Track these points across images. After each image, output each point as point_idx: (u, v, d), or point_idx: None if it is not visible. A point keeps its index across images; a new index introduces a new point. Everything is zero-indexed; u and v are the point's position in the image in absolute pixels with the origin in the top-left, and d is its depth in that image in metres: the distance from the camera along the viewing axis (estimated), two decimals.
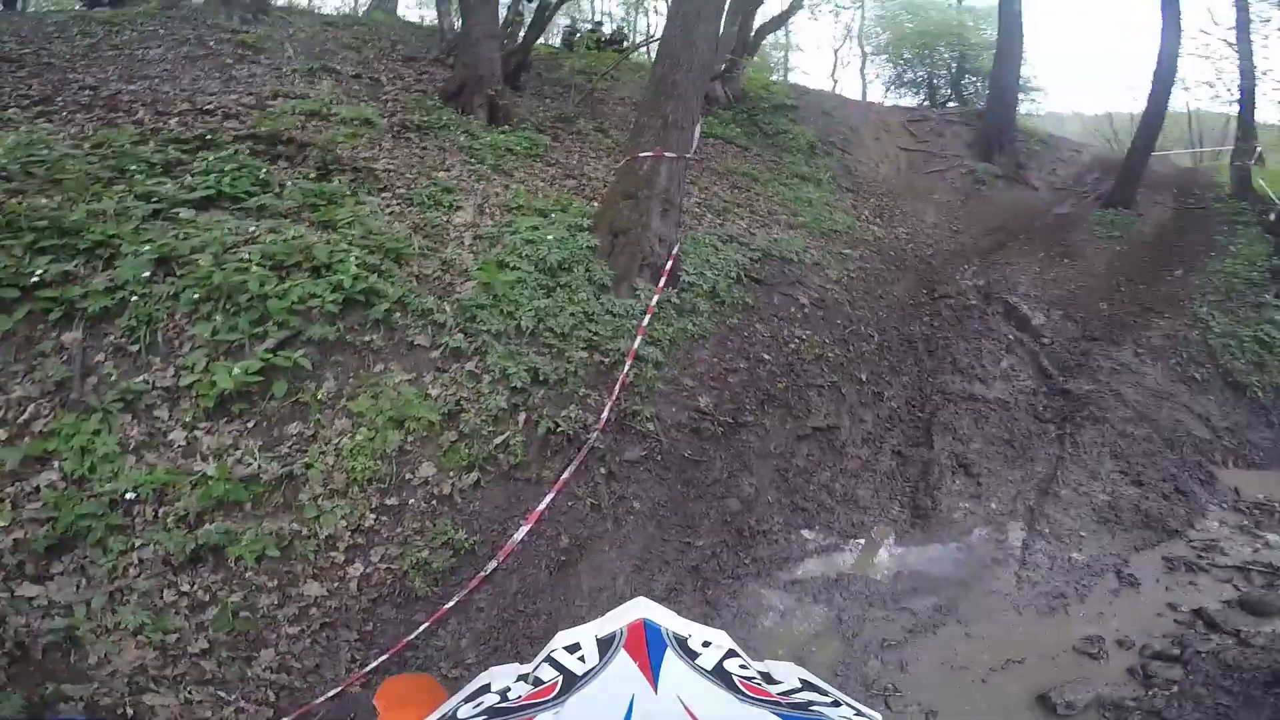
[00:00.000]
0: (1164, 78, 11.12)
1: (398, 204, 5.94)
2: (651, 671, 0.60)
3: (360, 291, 4.43)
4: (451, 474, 4.08)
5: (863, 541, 5.47)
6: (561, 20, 15.97)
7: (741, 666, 0.66)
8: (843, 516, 5.57)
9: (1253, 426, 7.62)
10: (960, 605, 4.98)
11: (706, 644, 0.68)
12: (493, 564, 3.96)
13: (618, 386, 4.86)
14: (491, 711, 0.61)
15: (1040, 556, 5.52)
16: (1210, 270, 9.39)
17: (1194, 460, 6.97)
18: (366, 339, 4.39)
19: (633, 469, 4.76)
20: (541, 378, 4.68)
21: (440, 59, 10.52)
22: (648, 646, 0.64)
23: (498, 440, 4.28)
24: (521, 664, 0.74)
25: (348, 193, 5.63)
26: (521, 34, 10.82)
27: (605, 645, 0.67)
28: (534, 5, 10.85)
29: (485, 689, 0.68)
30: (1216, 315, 8.47)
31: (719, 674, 0.63)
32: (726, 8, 12.32)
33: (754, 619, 4.54)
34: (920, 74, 17.04)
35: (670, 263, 6.17)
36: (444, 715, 0.65)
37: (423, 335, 4.56)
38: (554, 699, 0.60)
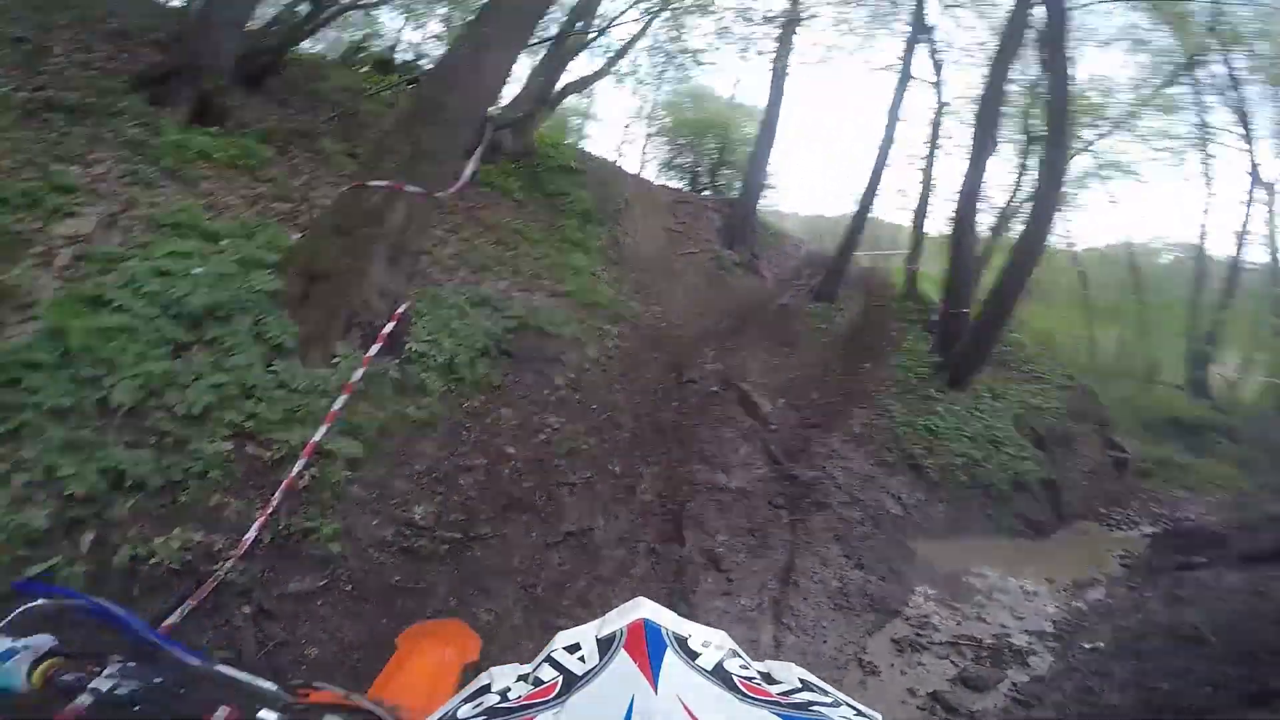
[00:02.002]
0: (869, 191, 12.75)
1: None
2: (651, 671, 0.57)
3: None
4: None
5: None
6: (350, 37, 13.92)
7: (742, 666, 0.64)
8: None
9: (930, 502, 8.38)
10: None
11: (706, 644, 0.65)
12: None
13: (278, 493, 3.28)
14: (491, 711, 0.59)
15: (792, 654, 4.99)
16: (891, 364, 10.41)
17: (896, 538, 7.37)
18: None
19: (302, 605, 3.20)
20: (131, 482, 2.99)
21: (162, 42, 7.95)
22: (648, 646, 0.61)
23: (33, 570, 2.59)
24: (522, 664, 0.70)
25: None
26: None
27: (605, 645, 0.64)
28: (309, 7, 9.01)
29: (485, 689, 0.67)
30: (897, 405, 9.37)
31: (719, 674, 0.60)
32: (539, 59, 11.53)
33: None
34: (688, 159, 18.06)
35: (393, 324, 4.69)
36: (444, 715, 0.63)
37: None
38: (554, 699, 0.58)
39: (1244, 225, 16.55)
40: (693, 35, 13.29)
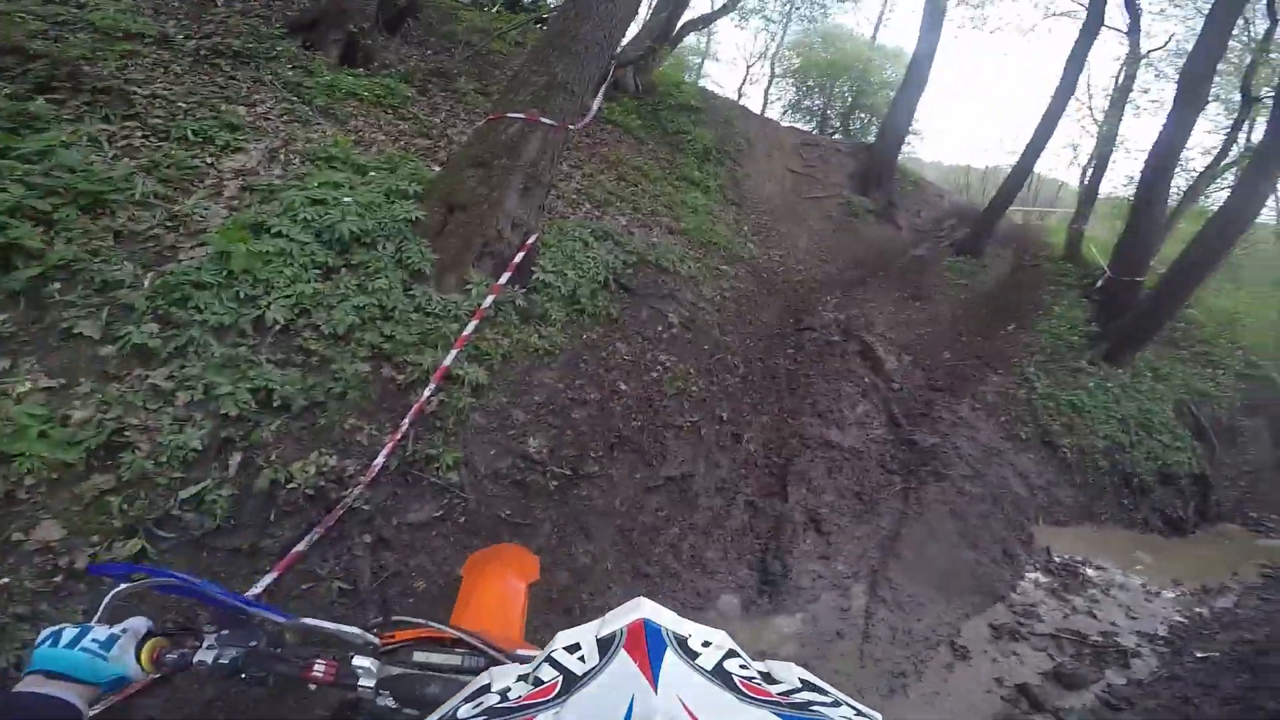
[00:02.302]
0: (1038, 142, 11.17)
1: (142, 136, 3.95)
2: (651, 671, 0.57)
3: None
4: (94, 539, 2.43)
5: (707, 616, 4.40)
6: None
7: (741, 666, 0.63)
8: (688, 584, 4.45)
9: (1060, 485, 7.65)
10: None
11: (706, 644, 0.65)
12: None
13: (408, 418, 3.34)
14: (491, 711, 0.59)
15: (882, 628, 4.84)
16: (1038, 329, 9.35)
17: (1017, 520, 6.82)
18: None
19: (418, 535, 3.28)
20: (279, 402, 3.07)
21: None
22: (648, 646, 0.61)
23: (185, 494, 2.69)
24: (522, 664, 0.70)
25: (59, 116, 3.61)
26: None
27: (605, 645, 0.64)
28: None
29: (485, 689, 0.66)
30: (1040, 376, 8.46)
31: (719, 674, 0.60)
32: None
33: None
34: (817, 102, 16.88)
35: (522, 254, 4.69)
36: (444, 715, 0.63)
37: (92, 321, 2.80)
38: (554, 699, 0.57)
39: None
40: None
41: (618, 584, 4.08)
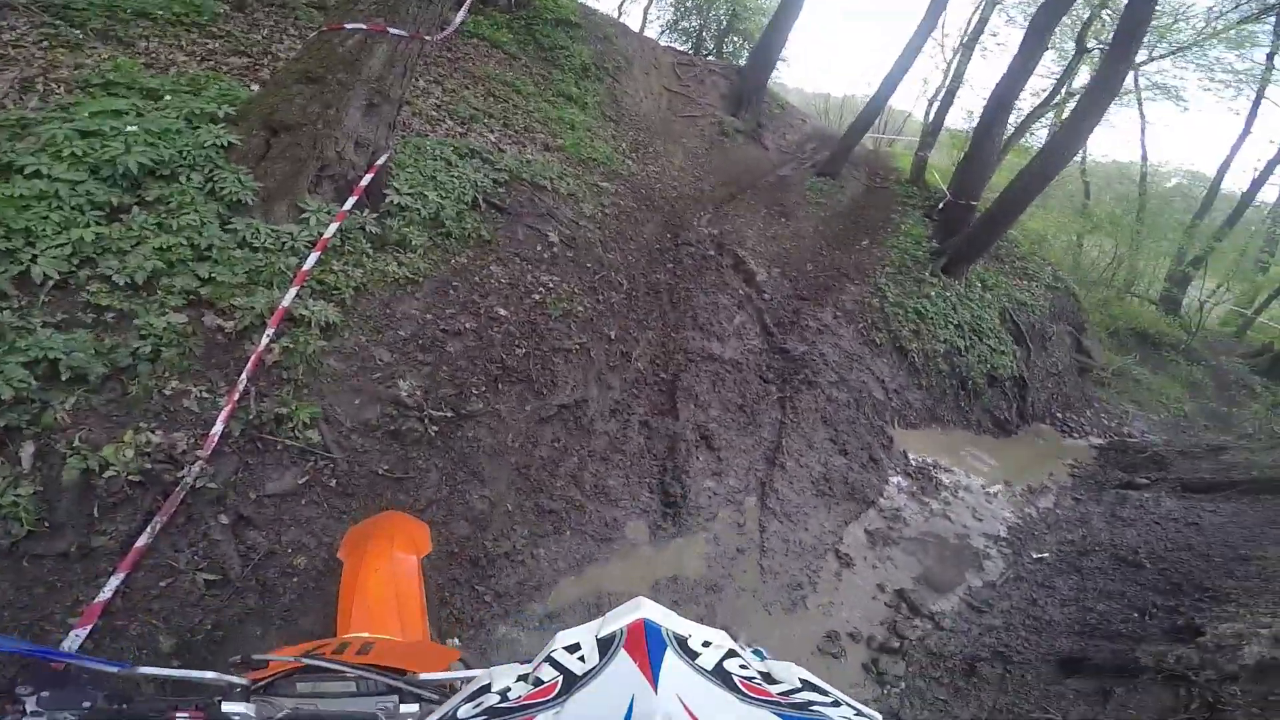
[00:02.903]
0: (896, 75, 11.51)
1: None
2: (651, 671, 0.56)
3: None
4: None
5: (618, 545, 4.20)
6: None
7: (741, 666, 0.62)
8: (594, 515, 4.20)
9: (910, 388, 8.24)
10: (718, 613, 4.17)
11: (706, 644, 0.64)
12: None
13: (245, 373, 2.69)
14: (491, 711, 0.58)
15: (776, 540, 4.96)
16: (888, 245, 9.83)
17: (878, 424, 7.27)
18: None
19: (285, 507, 2.72)
20: (68, 374, 2.34)
21: None
22: (648, 646, 0.59)
23: None
24: (522, 664, 0.69)
25: None
26: None
27: (605, 645, 0.62)
28: None
29: (485, 689, 0.65)
30: (891, 286, 8.95)
31: (719, 674, 0.59)
32: None
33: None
34: (695, 24, 16.27)
35: (370, 176, 3.93)
36: (444, 715, 0.62)
37: None
38: (554, 699, 0.56)
39: (1268, 165, 15.70)
40: None
41: (521, 525, 3.73)
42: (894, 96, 12.32)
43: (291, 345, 2.98)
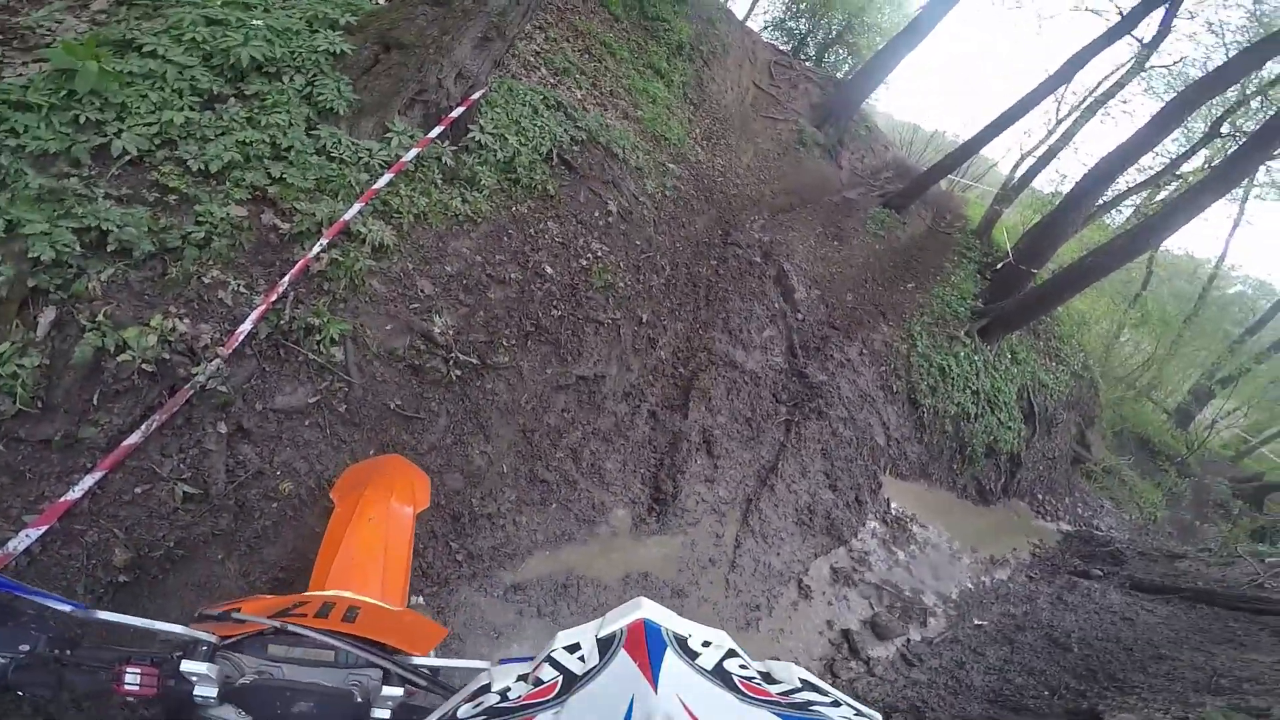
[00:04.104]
0: (1004, 123, 10.76)
1: None
2: (651, 671, 0.55)
3: None
4: None
5: (599, 530, 4.17)
6: None
7: (741, 666, 0.62)
8: (584, 495, 4.16)
9: (910, 441, 8.14)
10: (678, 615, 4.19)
11: (706, 644, 0.63)
12: None
13: (289, 275, 2.59)
14: (492, 711, 0.57)
15: (747, 559, 4.94)
16: (934, 293, 9.54)
17: (871, 468, 7.18)
18: None
19: (287, 425, 2.62)
20: (115, 245, 2.23)
21: None
22: (648, 647, 0.59)
23: None
24: (522, 664, 0.68)
25: None
26: None
27: (605, 645, 0.61)
28: None
29: (485, 689, 0.64)
30: (923, 336, 8.74)
31: (719, 674, 0.58)
32: None
33: (463, 642, 2.95)
34: (802, 26, 15.44)
35: (462, 109, 3.80)
36: (444, 715, 0.61)
37: None
38: (554, 699, 0.56)
39: None
40: None
41: (512, 489, 3.68)
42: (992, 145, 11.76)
43: (340, 258, 2.90)
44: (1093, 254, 8.78)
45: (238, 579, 2.31)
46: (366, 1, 4.00)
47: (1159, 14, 10.39)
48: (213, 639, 0.89)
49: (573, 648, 0.63)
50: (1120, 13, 11.17)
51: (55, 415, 2.05)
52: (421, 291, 3.36)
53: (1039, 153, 12.76)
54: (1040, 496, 9.69)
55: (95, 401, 2.13)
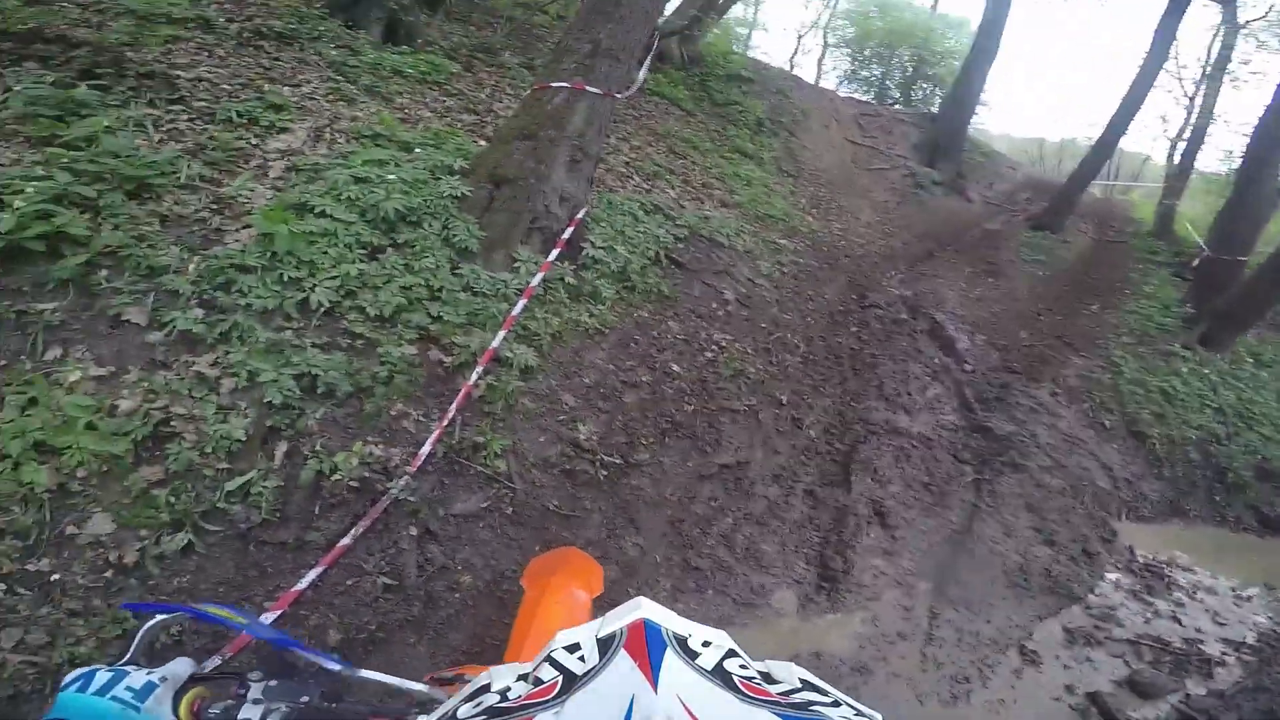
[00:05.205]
0: (1126, 114, 10.41)
1: (188, 119, 3.90)
2: (651, 671, 0.57)
3: (36, 235, 2.58)
4: (143, 533, 2.42)
5: (761, 613, 4.25)
6: None
7: (741, 666, 0.63)
8: (741, 579, 4.28)
9: (1146, 478, 7.08)
10: (861, 695, 4.00)
11: (707, 644, 0.65)
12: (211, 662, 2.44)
13: (456, 402, 3.25)
14: (491, 711, 0.59)
15: (948, 629, 4.58)
16: (1126, 310, 8.71)
17: (1099, 515, 6.35)
18: (40, 308, 2.56)
19: (464, 527, 3.20)
20: (323, 388, 3.00)
21: None
22: (648, 646, 0.61)
23: (231, 486, 2.64)
24: (522, 664, 0.70)
25: (104, 102, 3.56)
26: None
27: (605, 645, 0.63)
28: None
29: (485, 689, 0.66)
30: (1128, 359, 7.85)
31: (719, 674, 0.60)
32: None
33: None
34: (875, 72, 16.23)
35: (571, 229, 4.54)
36: (444, 715, 0.63)
37: (138, 307, 2.76)
38: (554, 699, 0.57)
39: None
40: None
41: (666, 577, 3.94)
42: (1125, 138, 10.99)
43: (495, 383, 3.55)
44: None
45: (426, 659, 2.83)
46: (473, 145, 4.95)
47: None
48: (442, 695, 1.05)
49: (573, 647, 0.65)
50: None
51: (289, 524, 2.72)
52: (565, 404, 3.97)
53: (1186, 135, 11.64)
54: None
55: (316, 512, 2.82)
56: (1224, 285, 8.46)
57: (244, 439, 2.71)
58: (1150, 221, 11.22)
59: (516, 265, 4.22)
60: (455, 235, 3.98)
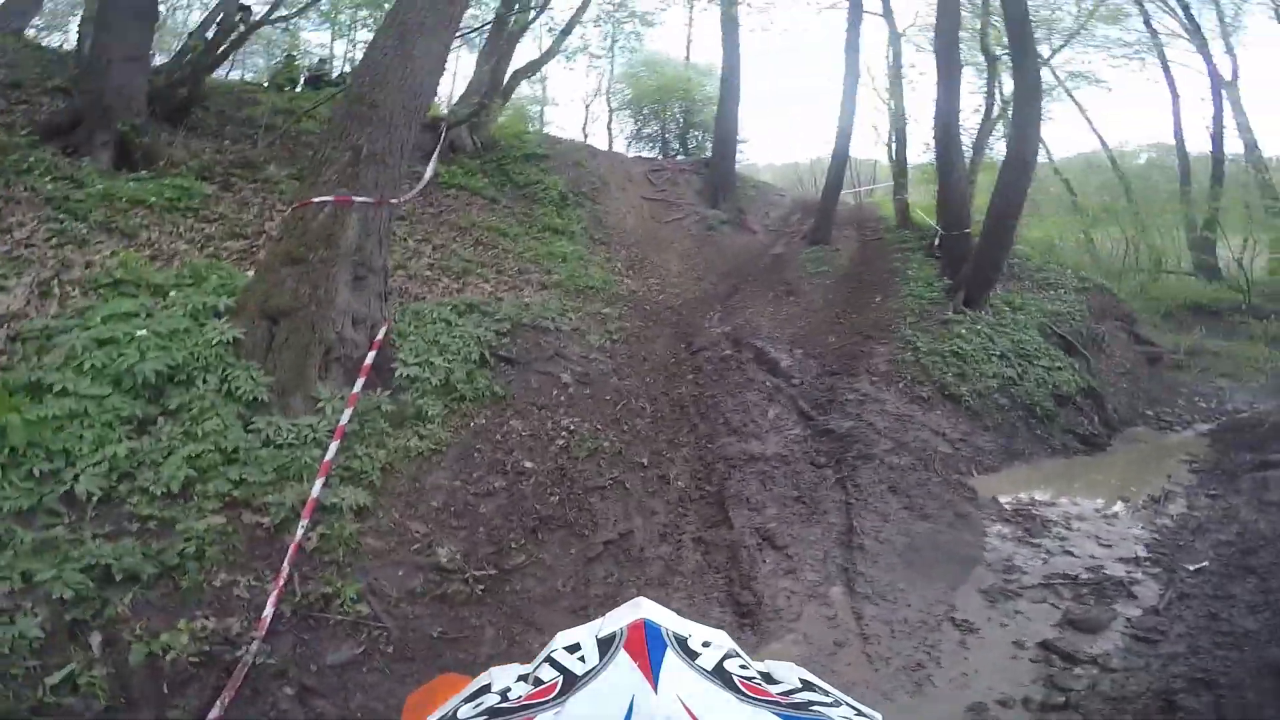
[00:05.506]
0: (845, 128, 12.47)
1: None
2: (651, 671, 0.57)
3: None
4: None
5: None
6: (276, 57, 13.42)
7: (742, 667, 0.63)
8: None
9: (975, 433, 8.03)
10: None
11: (707, 644, 0.65)
12: None
13: (288, 560, 2.99)
14: (491, 711, 0.60)
15: (877, 625, 4.66)
16: (902, 295, 10.04)
17: (953, 479, 7.04)
18: None
19: (346, 675, 2.94)
20: (121, 575, 2.75)
21: (62, 88, 7.58)
22: (648, 646, 0.61)
23: (52, 680, 2.49)
24: (522, 664, 0.71)
25: None
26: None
27: (605, 645, 0.64)
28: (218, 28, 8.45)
29: (485, 689, 0.67)
30: (919, 336, 8.99)
31: (719, 674, 0.60)
32: (482, 46, 11.33)
33: None
34: (655, 128, 17.96)
35: (374, 353, 4.33)
36: (444, 715, 0.64)
37: None
38: (554, 699, 0.58)
39: (1215, 120, 16.90)
40: None
41: None
42: (854, 148, 13.20)
43: (328, 531, 3.24)
44: (995, 192, 9.58)
45: None
46: (240, 276, 4.57)
47: None
48: None
49: (573, 648, 0.66)
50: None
51: (140, 705, 2.57)
52: (416, 533, 3.68)
53: (895, 137, 14.40)
54: (1150, 412, 9.42)
55: (166, 691, 2.60)
56: (963, 255, 10.14)
57: (43, 635, 2.58)
58: (893, 216, 13.35)
59: (320, 406, 3.92)
60: (238, 387, 3.63)
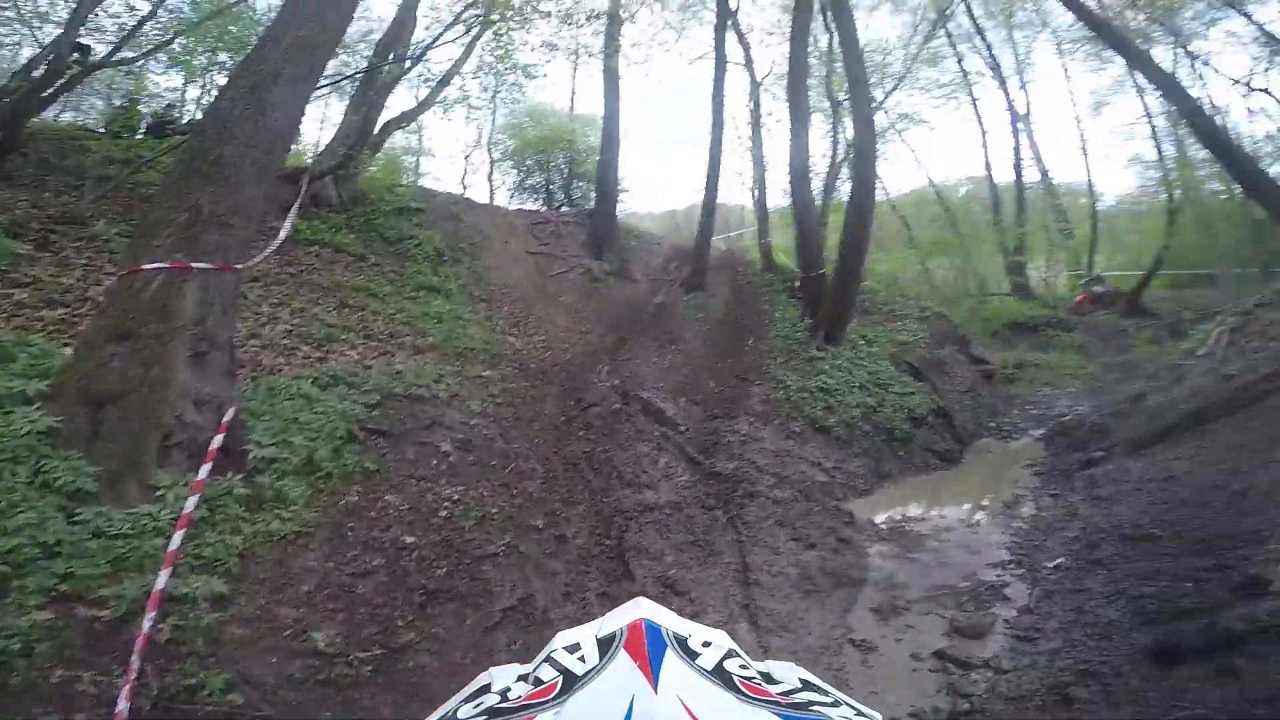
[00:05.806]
0: (713, 176, 13.33)
1: None
2: (651, 671, 0.58)
3: None
4: None
5: None
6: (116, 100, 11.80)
7: (741, 667, 0.65)
8: None
9: (846, 460, 8.55)
10: None
11: (706, 644, 0.67)
12: None
13: (137, 653, 2.63)
14: (492, 711, 0.60)
15: (783, 655, 4.79)
16: (770, 336, 10.76)
17: (831, 506, 7.44)
18: None
19: None
20: None
21: None
22: (648, 646, 0.62)
23: None
24: (523, 664, 0.71)
25: None
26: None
27: (605, 645, 0.65)
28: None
29: (485, 689, 0.67)
30: (789, 375, 9.61)
31: (719, 674, 0.61)
32: (353, 94, 10.62)
33: None
34: (539, 179, 17.76)
35: (221, 435, 3.87)
36: (444, 715, 0.63)
37: None
38: (554, 699, 0.58)
39: (1015, 152, 19.92)
40: (520, 50, 12.43)
41: None
42: (723, 193, 14.02)
43: (181, 622, 2.87)
44: (843, 233, 10.57)
45: None
46: (56, 352, 4.02)
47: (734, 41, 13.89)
48: None
49: (573, 648, 0.67)
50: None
51: None
52: (286, 619, 3.33)
53: (758, 183, 15.61)
54: (993, 424, 10.49)
55: None
56: (820, 296, 11.05)
57: None
58: (759, 260, 14.29)
59: (160, 494, 3.47)
60: (58, 479, 3.17)
